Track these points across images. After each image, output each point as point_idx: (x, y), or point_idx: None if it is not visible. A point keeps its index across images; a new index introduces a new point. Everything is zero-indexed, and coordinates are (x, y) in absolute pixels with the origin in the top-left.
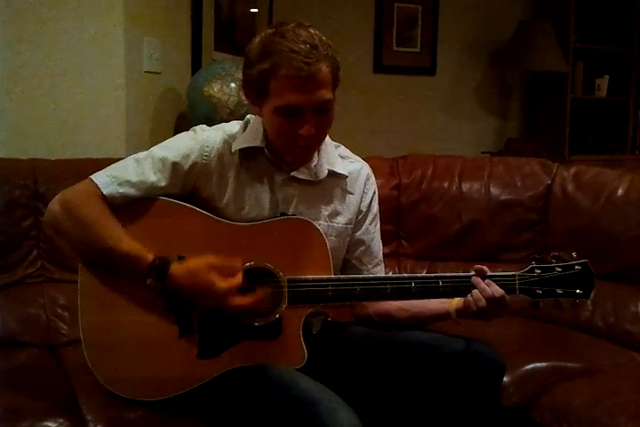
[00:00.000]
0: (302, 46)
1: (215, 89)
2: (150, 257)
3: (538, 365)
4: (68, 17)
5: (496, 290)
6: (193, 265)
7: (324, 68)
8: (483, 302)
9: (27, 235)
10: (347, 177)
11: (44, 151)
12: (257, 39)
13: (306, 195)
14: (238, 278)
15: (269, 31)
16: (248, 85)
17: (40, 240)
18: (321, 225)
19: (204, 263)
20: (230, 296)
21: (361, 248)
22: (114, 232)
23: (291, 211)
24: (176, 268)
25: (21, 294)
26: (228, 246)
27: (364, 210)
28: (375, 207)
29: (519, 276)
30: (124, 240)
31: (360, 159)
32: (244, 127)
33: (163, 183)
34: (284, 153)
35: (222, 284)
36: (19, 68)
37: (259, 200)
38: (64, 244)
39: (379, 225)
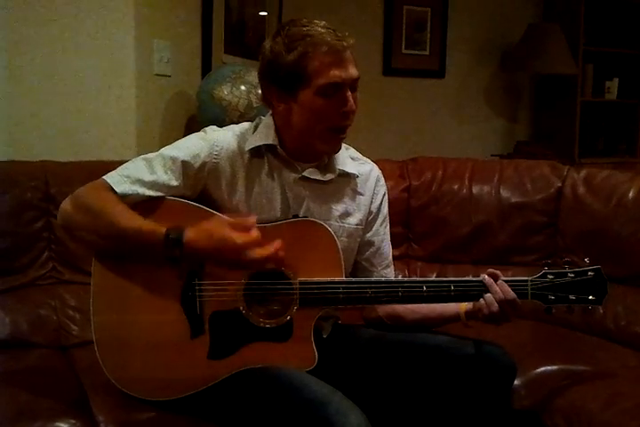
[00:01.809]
0: (326, 29)
1: (225, 92)
2: (164, 228)
3: (549, 368)
4: (79, 20)
5: (507, 292)
6: (206, 225)
7: (351, 45)
8: (495, 307)
9: (38, 236)
10: (357, 177)
11: (55, 154)
12: (277, 38)
13: (317, 195)
14: (254, 233)
15: (285, 27)
16: (277, 79)
17: (51, 242)
18: (332, 225)
19: (218, 222)
20: (249, 249)
21: (371, 250)
22: (125, 213)
23: (302, 211)
24: (191, 231)
25: (32, 295)
26: None
27: (375, 211)
28: (385, 209)
29: (531, 281)
30: (136, 218)
31: (370, 161)
32: (255, 128)
33: (174, 183)
34: (317, 142)
35: (239, 238)
36: (29, 70)
37: (270, 200)
38: (77, 242)
39: (388, 227)
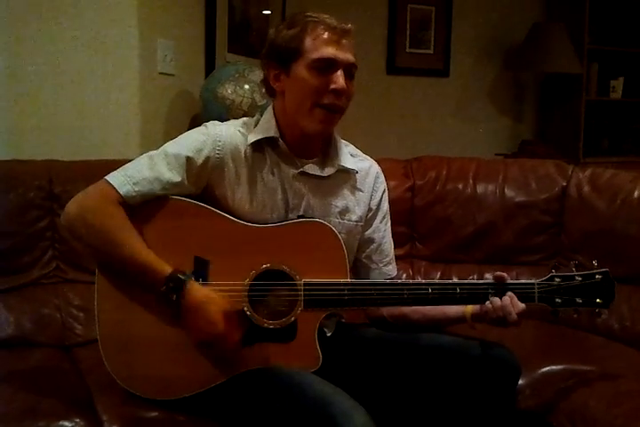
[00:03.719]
0: (331, 19)
1: (229, 90)
2: (168, 269)
3: (554, 368)
4: (83, 19)
5: (517, 305)
6: (209, 297)
7: (352, 35)
8: (501, 313)
9: (42, 236)
10: (357, 173)
11: (58, 153)
12: (281, 23)
13: (317, 191)
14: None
15: (292, 15)
16: (275, 52)
17: (55, 241)
18: (332, 222)
19: (222, 300)
20: (221, 343)
21: (371, 247)
22: (130, 241)
23: (302, 206)
24: (195, 288)
25: (36, 294)
26: (245, 248)
27: (374, 208)
28: (385, 206)
29: (538, 284)
30: (140, 250)
31: (369, 158)
32: (256, 122)
33: (177, 179)
34: (306, 120)
35: (222, 330)
36: (31, 69)
37: (271, 195)
38: (80, 247)
39: (389, 224)
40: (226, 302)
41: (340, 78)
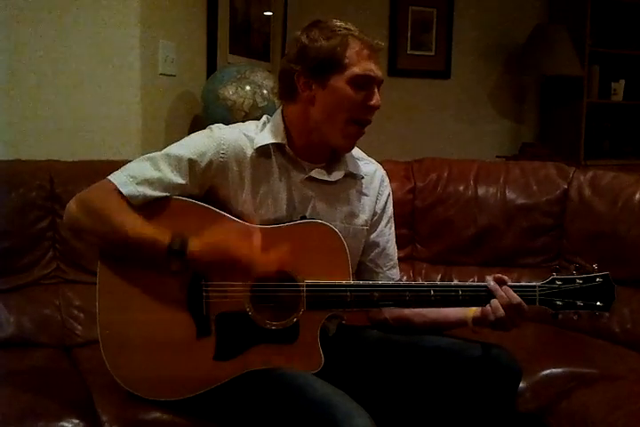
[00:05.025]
0: (362, 32)
1: (230, 92)
2: (167, 237)
3: (554, 371)
4: (84, 20)
5: (513, 296)
6: (210, 236)
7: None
8: (501, 312)
9: (43, 236)
10: (363, 178)
11: (60, 153)
12: (312, 30)
13: (323, 195)
14: (257, 240)
15: (320, 23)
16: (309, 63)
17: (56, 241)
18: (337, 226)
19: (221, 230)
20: (253, 258)
21: (376, 250)
22: (130, 219)
23: (308, 211)
24: (194, 241)
25: (37, 294)
26: None
27: (379, 212)
28: (390, 209)
29: (539, 287)
30: (141, 225)
31: (374, 161)
32: (262, 126)
33: (181, 182)
34: (337, 133)
35: (243, 248)
36: (32, 70)
37: (276, 199)
38: (82, 242)
39: (393, 228)
40: (229, 229)
41: (377, 95)
